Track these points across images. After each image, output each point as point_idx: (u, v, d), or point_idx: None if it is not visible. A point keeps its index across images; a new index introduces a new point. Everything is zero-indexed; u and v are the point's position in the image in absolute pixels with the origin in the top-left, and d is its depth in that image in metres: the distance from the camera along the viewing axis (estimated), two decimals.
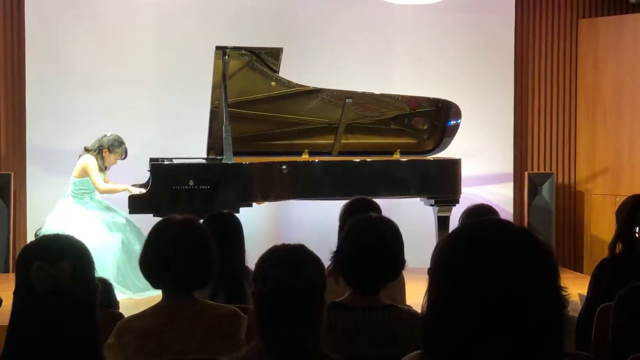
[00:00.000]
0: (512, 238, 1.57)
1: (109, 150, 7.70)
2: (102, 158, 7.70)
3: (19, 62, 9.09)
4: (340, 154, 8.24)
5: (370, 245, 3.14)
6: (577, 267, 9.74)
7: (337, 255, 3.19)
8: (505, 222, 1.64)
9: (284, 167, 7.51)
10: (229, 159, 7.38)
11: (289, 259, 2.45)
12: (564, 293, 1.59)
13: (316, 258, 2.49)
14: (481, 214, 4.24)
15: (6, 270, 8.46)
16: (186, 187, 7.19)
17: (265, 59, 7.80)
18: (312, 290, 2.41)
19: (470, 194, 8.89)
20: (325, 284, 2.47)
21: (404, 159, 8.20)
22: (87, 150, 7.74)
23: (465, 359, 1.52)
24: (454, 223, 7.42)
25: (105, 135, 7.76)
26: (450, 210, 7.99)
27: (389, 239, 3.20)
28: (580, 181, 9.94)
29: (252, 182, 7.43)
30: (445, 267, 1.59)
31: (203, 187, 7.21)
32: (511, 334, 1.50)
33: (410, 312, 3.16)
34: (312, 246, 2.55)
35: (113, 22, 9.14)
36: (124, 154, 7.77)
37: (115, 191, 7.72)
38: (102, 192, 7.69)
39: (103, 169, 7.76)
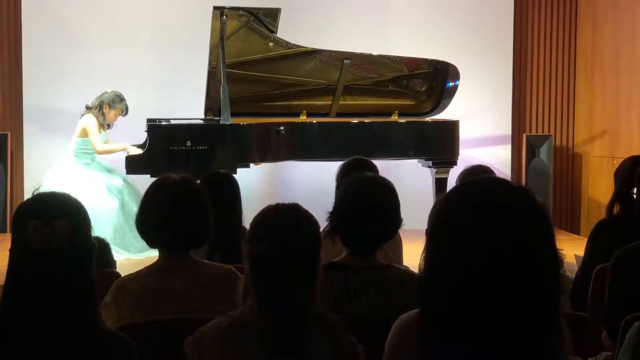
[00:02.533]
0: (508, 196, 1.56)
1: (109, 105, 7.68)
2: (103, 114, 7.68)
3: (15, 22, 9.05)
4: (338, 115, 8.22)
5: (366, 204, 3.12)
6: (574, 229, 9.76)
7: (332, 215, 3.18)
8: (502, 180, 1.63)
9: (282, 128, 7.50)
10: (226, 119, 7.36)
11: (283, 218, 2.44)
12: (559, 253, 1.59)
13: (310, 217, 2.48)
14: (478, 174, 4.24)
15: (4, 230, 8.48)
16: (183, 147, 7.17)
17: (263, 20, 7.75)
18: (306, 248, 2.40)
19: (468, 156, 8.90)
20: (319, 242, 2.46)
21: (402, 120, 8.18)
22: (88, 108, 7.73)
23: (462, 318, 1.52)
24: (451, 185, 7.41)
25: (106, 92, 7.75)
26: (448, 172, 7.99)
27: (384, 197, 3.19)
28: (578, 143, 9.93)
29: (250, 142, 7.42)
30: (442, 227, 1.59)
31: (200, 147, 7.20)
32: (507, 292, 1.50)
33: (407, 272, 3.16)
34: (309, 207, 2.54)
35: None
36: (125, 110, 7.76)
37: (113, 151, 7.71)
38: (100, 152, 7.68)
39: (104, 126, 7.74)
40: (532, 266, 1.51)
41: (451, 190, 1.65)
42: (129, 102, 7.81)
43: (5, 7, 9.04)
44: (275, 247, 2.36)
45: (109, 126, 7.81)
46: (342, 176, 4.38)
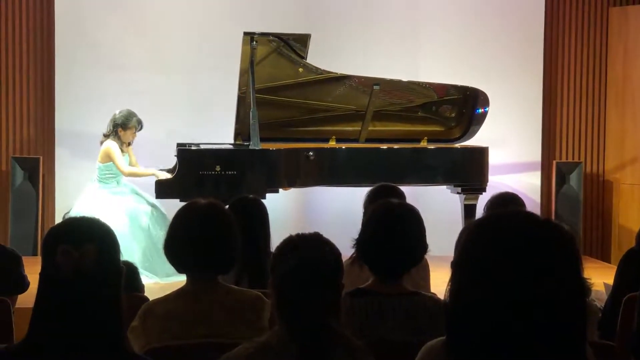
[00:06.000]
0: (536, 230, 1.56)
1: (122, 128, 7.68)
2: (119, 138, 7.69)
3: (49, 46, 9.13)
4: (367, 141, 8.22)
5: (390, 231, 3.13)
6: (605, 257, 9.68)
7: (358, 242, 3.19)
8: (529, 213, 1.63)
9: (311, 153, 7.51)
10: (255, 144, 7.39)
11: (304, 247, 2.45)
12: (586, 282, 1.59)
13: (331, 245, 2.49)
14: (506, 202, 4.23)
15: (35, 254, 8.51)
16: (213, 172, 7.20)
17: (292, 45, 7.78)
18: (328, 277, 2.41)
19: (498, 183, 8.86)
20: (341, 270, 2.47)
21: (431, 146, 8.17)
22: (105, 136, 7.73)
23: (488, 347, 1.51)
24: (480, 211, 7.38)
25: (115, 114, 7.72)
26: (477, 199, 7.96)
27: (408, 223, 3.19)
28: (608, 171, 9.87)
29: (279, 168, 7.43)
30: (468, 258, 1.59)
31: (230, 172, 7.22)
32: (533, 323, 1.49)
33: (434, 299, 3.16)
34: (337, 233, 2.56)
35: (142, 6, 9.16)
36: (139, 126, 7.73)
37: (140, 175, 7.73)
38: (127, 175, 7.70)
39: (126, 147, 7.75)
40: (559, 298, 1.51)
41: (477, 222, 1.65)
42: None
43: (39, 30, 9.13)
44: (296, 274, 2.38)
45: (129, 143, 7.81)
46: (369, 203, 4.38)
